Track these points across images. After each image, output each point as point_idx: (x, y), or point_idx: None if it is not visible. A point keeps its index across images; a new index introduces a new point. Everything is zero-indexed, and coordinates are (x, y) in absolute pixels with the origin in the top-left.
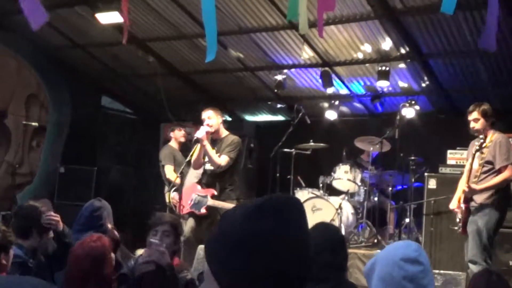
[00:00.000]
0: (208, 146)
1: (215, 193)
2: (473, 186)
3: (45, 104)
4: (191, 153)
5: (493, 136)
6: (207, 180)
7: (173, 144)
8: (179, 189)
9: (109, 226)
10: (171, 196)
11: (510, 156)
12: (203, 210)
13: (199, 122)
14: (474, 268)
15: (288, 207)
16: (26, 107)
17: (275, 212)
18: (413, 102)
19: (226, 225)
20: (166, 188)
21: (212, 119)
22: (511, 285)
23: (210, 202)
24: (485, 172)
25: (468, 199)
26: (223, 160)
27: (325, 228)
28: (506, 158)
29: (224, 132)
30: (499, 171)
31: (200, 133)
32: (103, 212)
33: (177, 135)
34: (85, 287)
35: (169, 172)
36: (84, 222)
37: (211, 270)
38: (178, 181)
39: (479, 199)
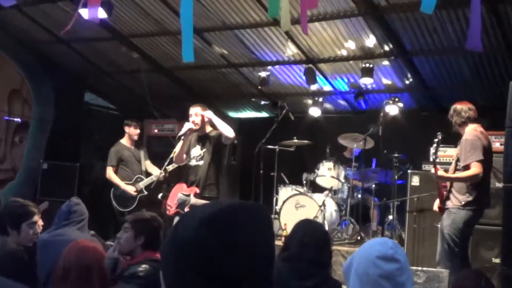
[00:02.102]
0: (216, 119)
1: (198, 191)
2: (440, 172)
3: (28, 100)
4: (174, 151)
5: (465, 134)
6: (191, 177)
7: (124, 141)
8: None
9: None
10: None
11: (474, 154)
12: (186, 209)
13: (183, 119)
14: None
15: (248, 217)
16: (8, 103)
17: (232, 221)
18: (396, 99)
19: (181, 228)
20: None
21: (198, 116)
22: (494, 282)
23: (193, 200)
24: (458, 170)
25: (443, 201)
26: (232, 131)
27: (309, 224)
28: (469, 155)
29: (208, 129)
30: (466, 169)
31: (184, 129)
32: (83, 208)
33: (132, 132)
34: (88, 279)
35: (109, 172)
36: (64, 217)
37: (162, 271)
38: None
39: (451, 203)
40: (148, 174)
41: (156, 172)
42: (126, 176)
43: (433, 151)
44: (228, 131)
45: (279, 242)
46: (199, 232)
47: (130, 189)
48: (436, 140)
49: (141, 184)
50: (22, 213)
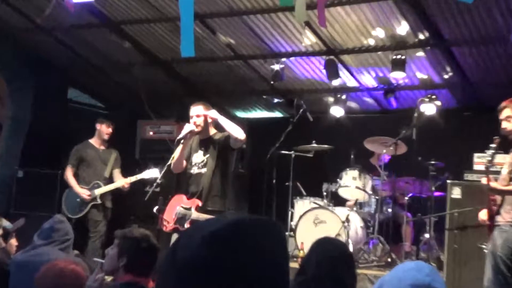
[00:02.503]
0: (223, 119)
1: (200, 204)
2: (493, 184)
3: (2, 96)
4: (172, 156)
5: None
6: (192, 187)
7: (93, 140)
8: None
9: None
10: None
11: None
12: (186, 225)
13: (182, 119)
14: None
15: (257, 235)
16: None
17: (239, 240)
18: (433, 96)
19: (180, 248)
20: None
21: (201, 117)
22: None
23: (194, 215)
24: None
25: (493, 215)
26: (242, 132)
27: (329, 244)
28: None
29: (211, 131)
30: None
31: (184, 132)
32: (67, 227)
33: (103, 130)
34: None
35: (66, 171)
36: (45, 235)
37: None
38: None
39: (502, 219)
40: (111, 183)
41: (68, 178)
42: (85, 179)
43: (489, 158)
44: (237, 132)
45: (294, 264)
46: (201, 253)
47: (83, 193)
48: (493, 145)
49: (96, 191)
50: None
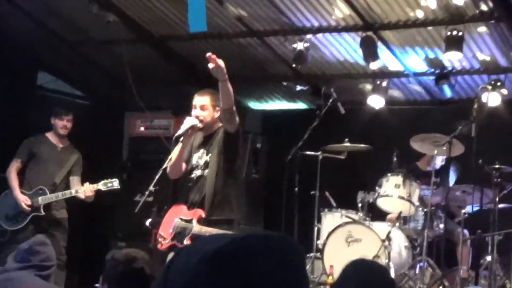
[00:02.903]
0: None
1: (203, 215)
2: None
3: None
4: (169, 158)
5: None
6: (193, 195)
7: (50, 134)
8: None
9: None
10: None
11: None
12: (186, 242)
13: (181, 112)
14: None
15: (270, 255)
16: None
17: (246, 261)
18: (498, 83)
19: (175, 269)
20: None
21: (206, 110)
22: None
23: (196, 228)
24: None
25: None
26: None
27: (365, 268)
28: None
29: (217, 125)
30: None
31: (184, 127)
32: (51, 251)
33: (58, 124)
34: None
35: (10, 166)
36: (22, 258)
37: None
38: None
39: None
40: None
41: (10, 175)
42: (30, 182)
43: None
44: (228, 99)
45: None
46: (199, 276)
47: (22, 200)
48: None
49: (40, 200)
50: None
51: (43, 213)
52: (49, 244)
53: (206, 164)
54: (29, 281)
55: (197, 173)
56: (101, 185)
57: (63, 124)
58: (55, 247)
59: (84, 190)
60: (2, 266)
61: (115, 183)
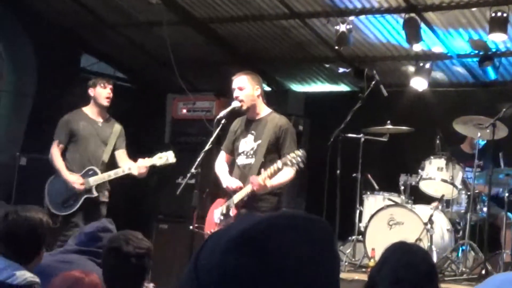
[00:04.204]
0: (274, 180)
1: (241, 185)
2: None
3: None
4: (212, 139)
5: None
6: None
7: (88, 109)
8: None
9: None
10: None
11: None
12: (233, 213)
13: (223, 94)
14: None
15: (297, 236)
16: None
17: (273, 242)
18: None
19: (203, 253)
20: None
21: (245, 89)
22: None
23: (237, 197)
24: None
25: None
26: (290, 172)
27: (406, 251)
28: None
29: (263, 110)
30: None
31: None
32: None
33: (98, 94)
34: None
35: (52, 149)
36: (81, 241)
37: None
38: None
39: None
40: (112, 168)
41: (55, 157)
42: (75, 162)
43: None
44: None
45: (363, 276)
46: (227, 259)
47: (75, 181)
48: None
49: (92, 180)
50: None
51: (95, 194)
52: (113, 230)
53: (254, 151)
54: (85, 266)
55: (242, 159)
56: (155, 160)
57: (107, 92)
58: None
59: (138, 167)
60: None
61: (170, 157)
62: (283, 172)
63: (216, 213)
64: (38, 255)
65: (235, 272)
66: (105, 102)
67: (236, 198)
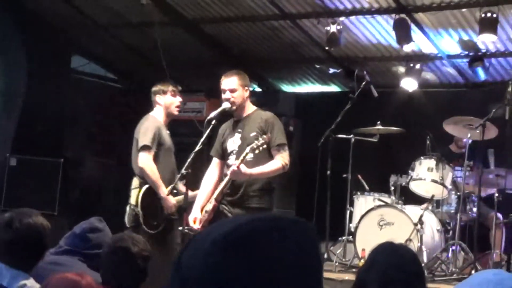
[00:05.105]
0: (255, 169)
1: (196, 217)
2: None
3: None
4: (202, 140)
5: None
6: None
7: (159, 114)
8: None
9: None
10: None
11: None
12: (212, 206)
13: (214, 94)
14: None
15: (279, 237)
16: None
17: (254, 245)
18: None
19: (187, 254)
20: (135, 183)
21: (236, 92)
22: None
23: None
24: None
25: None
26: (278, 162)
27: (394, 252)
28: None
29: (250, 108)
30: None
31: (218, 110)
32: (102, 238)
33: (171, 102)
34: None
35: (147, 160)
36: (70, 242)
37: None
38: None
39: None
40: None
41: (147, 165)
42: (164, 177)
43: None
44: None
45: (353, 277)
46: (211, 261)
47: (172, 201)
48: None
49: (175, 201)
50: None
51: (176, 216)
52: (104, 228)
53: (242, 149)
54: (77, 268)
55: (232, 159)
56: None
57: (178, 101)
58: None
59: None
60: None
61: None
62: (270, 162)
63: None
64: (40, 260)
65: (218, 274)
66: (176, 112)
67: (216, 193)
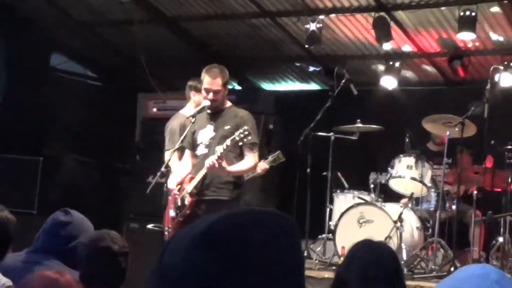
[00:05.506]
0: (232, 167)
1: (174, 188)
2: None
3: None
4: (182, 137)
5: None
6: (197, 170)
7: (189, 111)
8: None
9: None
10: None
11: None
12: (188, 201)
13: (195, 92)
14: None
15: (259, 233)
16: None
17: (234, 239)
18: (511, 64)
19: (168, 255)
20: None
21: (220, 92)
22: None
23: (190, 186)
24: None
25: None
26: (251, 161)
27: (372, 249)
28: None
29: (226, 103)
30: None
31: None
32: (70, 230)
33: (201, 100)
34: None
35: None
36: (42, 240)
37: None
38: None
39: None
40: None
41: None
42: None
43: None
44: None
45: (333, 274)
46: (191, 256)
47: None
48: None
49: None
50: None
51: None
52: (70, 221)
53: (213, 141)
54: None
55: (202, 151)
56: (271, 162)
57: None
58: None
59: (261, 169)
60: None
61: (280, 155)
62: (244, 160)
63: (173, 208)
64: (6, 253)
65: (198, 269)
66: (208, 111)
67: (190, 187)
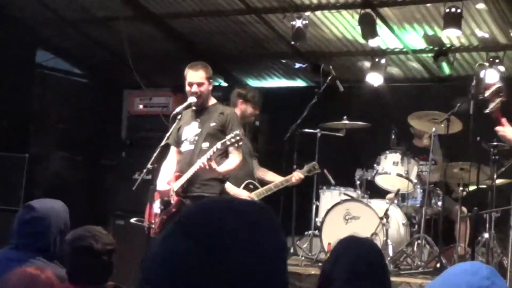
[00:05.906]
0: (222, 167)
1: (169, 189)
2: None
3: None
4: (168, 134)
5: None
6: (183, 169)
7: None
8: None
9: None
10: None
11: None
12: (173, 200)
13: (180, 89)
14: None
15: (232, 218)
16: None
17: (209, 225)
18: (497, 60)
19: (153, 246)
20: None
21: (203, 85)
22: None
23: (177, 185)
24: None
25: None
26: (236, 159)
27: (358, 246)
28: None
29: (211, 100)
30: None
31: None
32: (38, 226)
33: (250, 113)
34: None
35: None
36: (16, 238)
37: None
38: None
39: None
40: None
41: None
42: (236, 176)
43: None
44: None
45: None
46: (168, 243)
47: (245, 195)
48: None
49: (255, 195)
50: None
51: None
52: (35, 217)
53: (198, 138)
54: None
55: (186, 147)
56: (306, 172)
57: (256, 113)
58: None
59: (295, 179)
60: None
61: (315, 166)
62: (230, 159)
63: (157, 204)
64: None
65: (175, 255)
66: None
67: (176, 185)
